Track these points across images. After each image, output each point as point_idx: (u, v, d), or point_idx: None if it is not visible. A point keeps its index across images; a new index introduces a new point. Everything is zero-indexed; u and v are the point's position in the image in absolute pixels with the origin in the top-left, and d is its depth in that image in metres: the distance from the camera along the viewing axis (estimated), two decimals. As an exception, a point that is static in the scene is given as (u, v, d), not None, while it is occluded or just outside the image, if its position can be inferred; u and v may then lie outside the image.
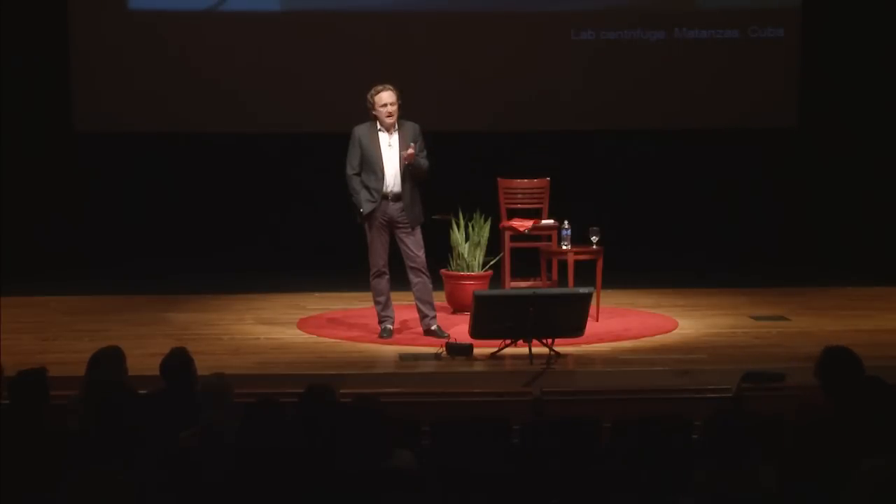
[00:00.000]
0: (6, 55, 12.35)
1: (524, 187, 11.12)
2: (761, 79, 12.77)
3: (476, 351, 9.03)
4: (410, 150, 9.42)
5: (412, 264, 9.60)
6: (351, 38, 12.53)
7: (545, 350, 8.91)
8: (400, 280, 9.72)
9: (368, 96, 9.51)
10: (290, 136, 12.65)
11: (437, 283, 10.19)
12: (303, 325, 10.27)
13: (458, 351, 9.02)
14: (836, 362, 6.47)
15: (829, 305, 10.98)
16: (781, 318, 10.46)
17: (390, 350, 9.37)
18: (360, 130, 9.58)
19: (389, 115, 9.47)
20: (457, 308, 10.50)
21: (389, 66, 11.64)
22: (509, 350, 9.03)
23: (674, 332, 10.01)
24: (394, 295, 9.77)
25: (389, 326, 9.71)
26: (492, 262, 10.73)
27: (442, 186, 10.09)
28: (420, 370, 8.89)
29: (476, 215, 10.74)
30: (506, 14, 12.69)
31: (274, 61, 12.54)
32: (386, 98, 9.46)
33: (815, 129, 12.86)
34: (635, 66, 12.69)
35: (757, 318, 10.43)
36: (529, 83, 12.62)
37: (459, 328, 9.63)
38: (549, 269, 10.73)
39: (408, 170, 9.48)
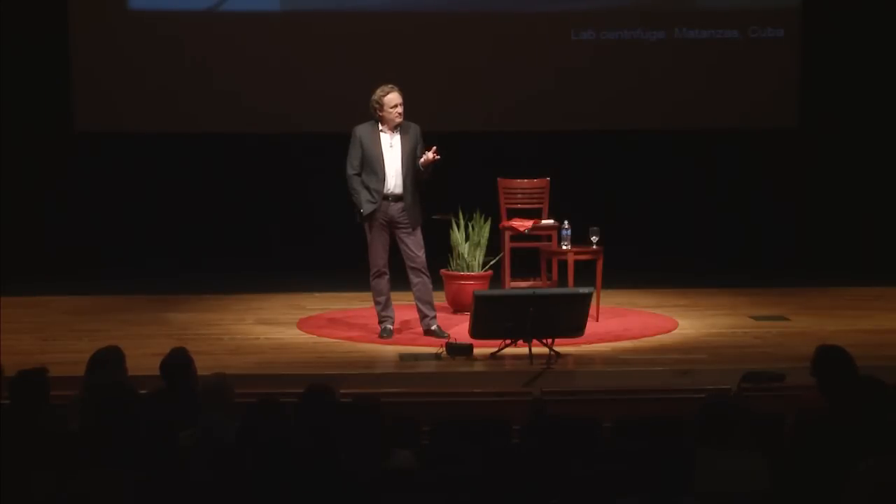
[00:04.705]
0: (6, 55, 12.35)
1: (524, 187, 11.12)
2: (761, 79, 12.76)
3: (476, 351, 9.04)
4: (433, 156, 9.42)
5: (412, 264, 9.60)
6: (351, 38, 12.52)
7: (545, 350, 8.91)
8: (400, 280, 9.71)
9: (375, 97, 9.50)
10: (290, 135, 12.64)
11: (437, 283, 10.19)
12: (303, 325, 10.27)
13: (458, 351, 9.02)
14: (829, 361, 6.50)
15: (829, 305, 10.99)
16: (781, 318, 10.46)
17: (390, 350, 9.37)
18: (362, 130, 9.58)
19: (399, 115, 9.48)
20: (457, 308, 10.50)
21: (389, 66, 11.63)
22: (509, 350, 9.04)
23: (674, 332, 10.02)
24: (394, 295, 9.77)
25: (389, 326, 9.72)
26: (492, 262, 10.73)
27: (442, 186, 10.09)
28: (420, 370, 8.89)
29: (476, 215, 10.74)
30: (506, 14, 12.69)
31: (274, 61, 12.54)
32: (396, 99, 9.47)
33: (815, 129, 12.86)
34: (635, 66, 12.68)
35: (757, 318, 10.44)
36: (529, 83, 12.61)
37: (459, 328, 9.63)
38: (549, 269, 10.73)
39: (412, 169, 9.48)
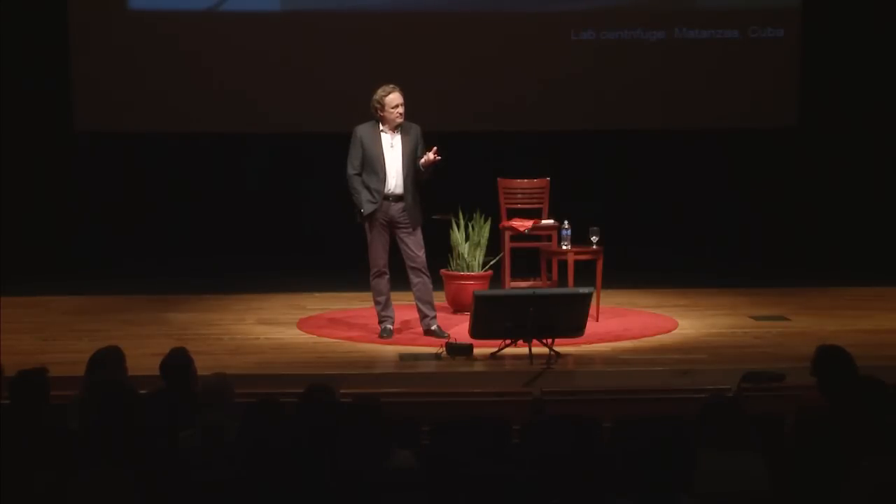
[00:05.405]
0: (6, 55, 12.35)
1: (524, 187, 11.12)
2: (761, 79, 12.77)
3: (476, 351, 9.04)
4: (433, 156, 9.43)
5: (412, 264, 9.60)
6: (351, 38, 12.52)
7: (545, 350, 8.91)
8: (400, 280, 9.72)
9: (377, 97, 9.49)
10: (290, 135, 12.64)
11: (437, 283, 10.19)
12: (303, 325, 10.27)
13: (458, 351, 9.02)
14: (829, 361, 6.50)
15: (829, 305, 10.99)
16: (781, 318, 10.46)
17: (390, 350, 9.37)
18: (362, 130, 9.58)
19: (400, 115, 9.48)
20: (457, 308, 10.50)
21: (389, 66, 11.64)
22: (509, 350, 9.04)
23: (674, 332, 10.02)
24: (394, 295, 9.77)
25: (389, 326, 9.72)
26: (492, 262, 10.73)
27: (442, 186, 10.09)
28: (420, 370, 8.89)
29: (476, 215, 10.74)
30: (506, 14, 12.69)
31: (274, 61, 12.53)
32: (397, 99, 9.47)
33: (815, 129, 12.86)
34: (635, 66, 12.68)
35: (757, 318, 10.44)
36: (529, 83, 12.61)
37: (459, 328, 9.63)
38: (549, 269, 10.73)
39: (413, 170, 9.48)
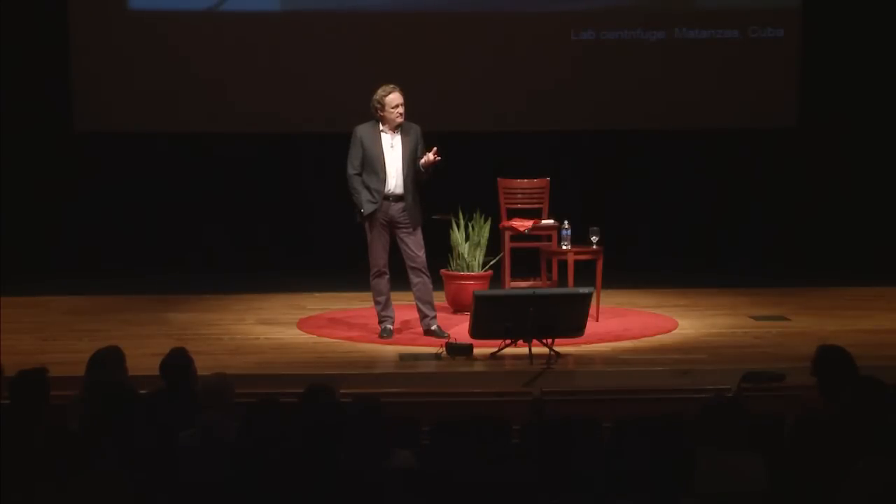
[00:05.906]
0: (6, 55, 12.35)
1: (524, 187, 11.12)
2: (761, 79, 12.76)
3: (476, 351, 9.03)
4: (434, 157, 9.43)
5: (412, 264, 9.60)
6: (351, 38, 12.52)
7: (545, 350, 8.91)
8: (400, 280, 9.72)
9: (377, 97, 9.49)
10: (289, 136, 12.64)
11: (437, 283, 10.19)
12: (303, 325, 10.27)
13: (458, 351, 9.02)
14: (829, 361, 6.51)
15: (829, 305, 10.98)
16: (781, 318, 10.46)
17: (390, 350, 9.37)
18: (362, 130, 9.58)
19: (400, 115, 9.48)
20: (457, 308, 10.50)
21: (389, 66, 11.64)
22: (509, 350, 9.03)
23: (674, 332, 10.01)
24: (394, 295, 9.77)
25: (389, 326, 9.72)
26: (492, 262, 10.73)
27: (442, 186, 10.09)
28: (420, 370, 8.89)
29: (476, 215, 10.74)
30: (506, 14, 12.68)
31: (274, 61, 12.54)
32: (397, 99, 9.47)
33: (815, 129, 12.86)
34: (635, 66, 12.68)
35: (757, 318, 10.44)
36: (529, 83, 12.61)
37: (459, 328, 9.63)
38: (549, 269, 10.73)
39: (413, 169, 9.48)
